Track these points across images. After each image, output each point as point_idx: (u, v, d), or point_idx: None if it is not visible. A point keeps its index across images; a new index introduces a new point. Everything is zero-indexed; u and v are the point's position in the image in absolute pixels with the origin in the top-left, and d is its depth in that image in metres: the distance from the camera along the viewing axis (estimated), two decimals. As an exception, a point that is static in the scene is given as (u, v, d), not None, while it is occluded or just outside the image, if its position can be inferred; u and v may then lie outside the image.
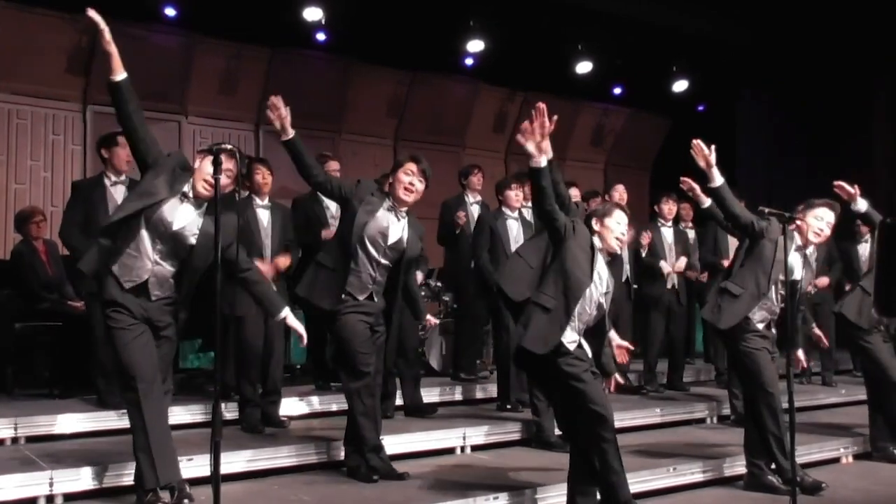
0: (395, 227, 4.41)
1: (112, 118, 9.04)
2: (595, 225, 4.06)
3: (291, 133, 4.32)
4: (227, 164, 3.65)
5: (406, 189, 4.38)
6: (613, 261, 4.08)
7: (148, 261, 3.75)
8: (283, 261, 5.27)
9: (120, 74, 3.81)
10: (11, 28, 8.31)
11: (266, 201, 5.41)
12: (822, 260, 6.63)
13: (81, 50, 8.76)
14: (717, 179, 4.56)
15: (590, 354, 3.96)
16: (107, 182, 5.45)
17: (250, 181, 5.41)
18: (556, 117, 3.71)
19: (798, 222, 4.54)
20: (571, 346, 3.87)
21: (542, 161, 3.73)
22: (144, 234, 3.74)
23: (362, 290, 4.39)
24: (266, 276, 5.09)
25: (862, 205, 5.05)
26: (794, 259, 4.59)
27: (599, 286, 3.94)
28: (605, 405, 3.81)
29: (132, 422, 3.71)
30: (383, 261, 4.40)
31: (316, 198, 6.02)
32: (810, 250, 4.72)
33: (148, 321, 3.77)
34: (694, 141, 4.55)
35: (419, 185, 4.41)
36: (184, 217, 3.79)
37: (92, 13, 3.64)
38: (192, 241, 3.80)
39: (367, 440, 4.36)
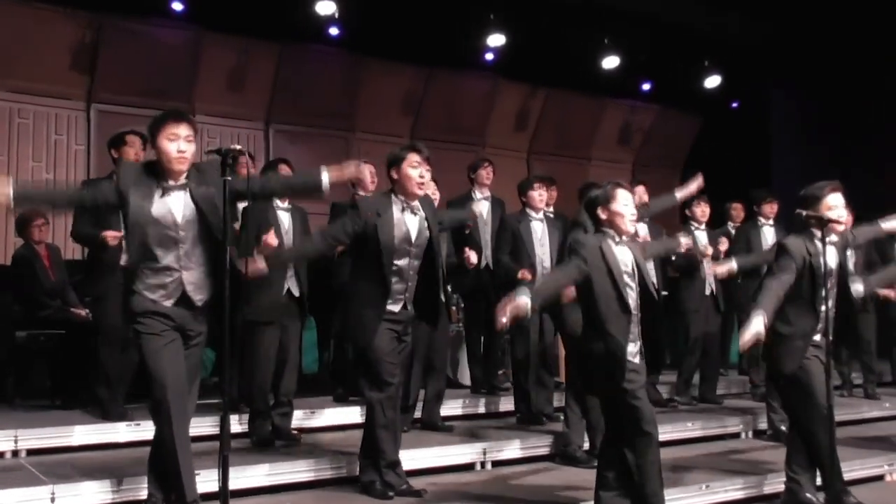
0: (413, 224, 4.41)
1: (117, 117, 9.20)
2: (602, 214, 4.05)
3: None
4: (186, 129, 3.70)
5: (418, 184, 4.38)
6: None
7: (176, 272, 3.72)
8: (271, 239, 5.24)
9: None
10: (12, 23, 8.38)
11: (286, 203, 5.41)
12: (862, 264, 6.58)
13: (85, 46, 8.83)
14: None
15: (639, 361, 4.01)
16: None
17: None
18: None
19: (835, 225, 4.46)
20: (633, 359, 3.93)
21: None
22: (159, 248, 3.69)
23: (395, 302, 4.40)
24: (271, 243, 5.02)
25: None
26: (830, 255, 4.51)
27: (632, 284, 3.98)
28: (655, 424, 3.89)
29: (158, 434, 3.71)
30: (415, 262, 4.42)
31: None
32: (834, 238, 4.61)
33: (181, 329, 3.76)
34: None
35: (428, 175, 4.43)
36: (178, 204, 3.74)
37: None
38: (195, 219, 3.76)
39: (386, 454, 4.35)
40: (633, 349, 3.94)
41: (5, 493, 3.94)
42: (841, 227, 4.55)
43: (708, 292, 7.02)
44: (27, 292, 6.24)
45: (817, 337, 4.46)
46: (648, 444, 3.86)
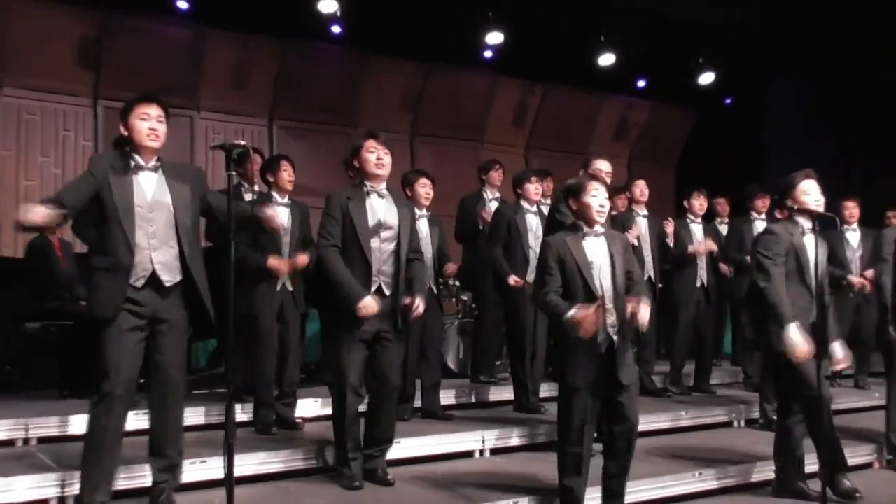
0: (381, 206, 4.45)
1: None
2: (573, 205, 4.06)
3: None
4: (157, 110, 3.78)
5: (378, 164, 4.44)
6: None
7: (146, 250, 3.73)
8: (302, 259, 5.29)
9: None
10: (19, 20, 8.39)
11: (286, 199, 5.43)
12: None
13: (91, 44, 8.84)
14: None
15: None
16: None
17: (274, 177, 5.42)
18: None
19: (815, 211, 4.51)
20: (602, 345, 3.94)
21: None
22: (129, 226, 3.70)
23: (372, 284, 4.37)
24: (283, 272, 5.15)
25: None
26: (809, 242, 4.53)
27: (605, 274, 3.94)
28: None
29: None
30: (388, 245, 4.41)
31: None
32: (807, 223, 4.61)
33: (151, 316, 3.76)
34: None
35: (387, 158, 4.48)
36: (149, 183, 3.78)
37: None
38: (170, 201, 3.80)
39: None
40: (602, 335, 3.89)
41: (16, 479, 3.97)
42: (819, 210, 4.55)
43: (699, 284, 7.03)
44: (39, 281, 6.28)
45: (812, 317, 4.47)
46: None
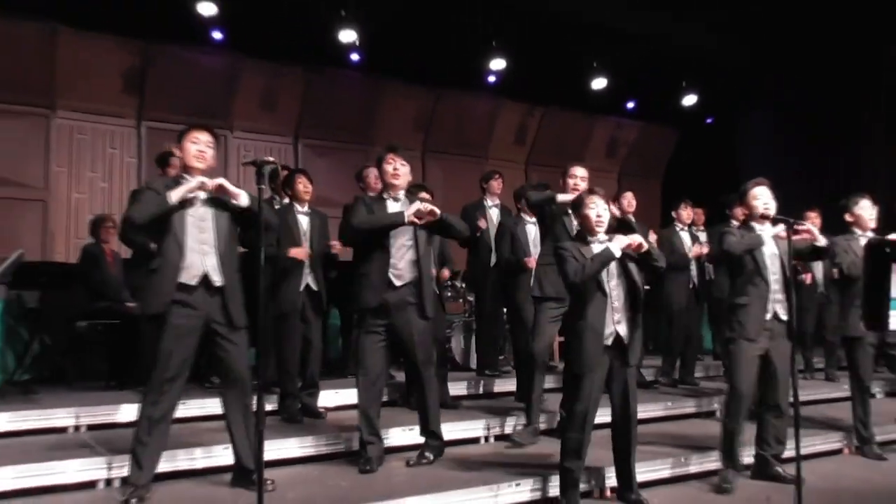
0: (397, 209, 4.45)
1: (163, 133, 9.22)
2: (576, 218, 4.14)
3: None
4: (206, 137, 3.90)
5: (394, 175, 4.47)
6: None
7: (198, 254, 3.78)
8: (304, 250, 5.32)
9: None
10: (72, 51, 8.44)
11: (306, 208, 5.45)
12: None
13: (136, 71, 8.88)
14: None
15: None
16: (161, 194, 5.56)
17: (292, 190, 5.45)
18: None
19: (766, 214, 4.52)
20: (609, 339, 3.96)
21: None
22: (181, 233, 3.78)
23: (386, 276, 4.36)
24: (302, 256, 5.16)
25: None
26: (768, 244, 4.51)
27: (613, 276, 3.95)
28: None
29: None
30: (406, 243, 4.40)
31: None
32: (767, 227, 4.58)
33: (206, 317, 3.80)
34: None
35: (403, 169, 4.50)
36: (199, 198, 3.86)
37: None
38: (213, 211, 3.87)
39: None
40: (609, 329, 3.91)
41: (68, 463, 3.98)
42: (771, 214, 4.53)
43: (691, 287, 7.02)
44: (91, 282, 6.30)
45: (782, 313, 4.44)
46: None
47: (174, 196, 3.74)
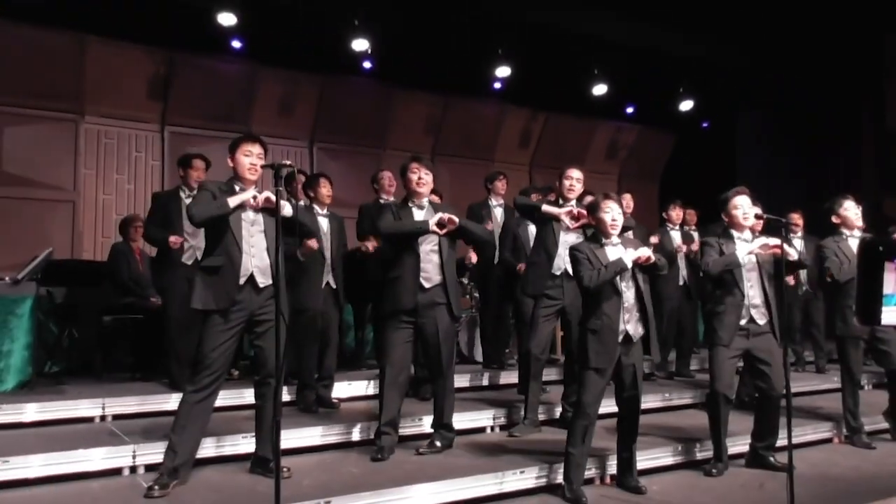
0: (421, 216, 4.48)
1: (185, 137, 9.24)
2: (591, 220, 4.14)
3: None
4: (258, 148, 3.87)
5: (418, 183, 4.48)
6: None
7: (247, 256, 3.80)
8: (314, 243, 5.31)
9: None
10: (100, 60, 8.46)
11: (325, 210, 5.42)
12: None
13: (160, 78, 8.89)
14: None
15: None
16: (182, 195, 5.65)
17: (314, 192, 5.42)
18: None
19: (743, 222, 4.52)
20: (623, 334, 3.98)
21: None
22: (237, 234, 3.80)
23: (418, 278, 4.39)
24: (314, 247, 5.13)
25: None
26: (743, 249, 4.47)
27: (625, 275, 3.96)
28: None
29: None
30: (433, 248, 4.41)
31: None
32: (747, 234, 4.56)
33: (249, 311, 3.80)
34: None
35: (427, 177, 4.52)
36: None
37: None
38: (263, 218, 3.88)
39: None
40: (622, 327, 3.94)
41: (95, 451, 3.98)
42: (746, 223, 4.53)
43: (681, 283, 6.98)
44: (119, 279, 6.33)
45: (760, 319, 4.40)
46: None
47: (232, 203, 3.76)
